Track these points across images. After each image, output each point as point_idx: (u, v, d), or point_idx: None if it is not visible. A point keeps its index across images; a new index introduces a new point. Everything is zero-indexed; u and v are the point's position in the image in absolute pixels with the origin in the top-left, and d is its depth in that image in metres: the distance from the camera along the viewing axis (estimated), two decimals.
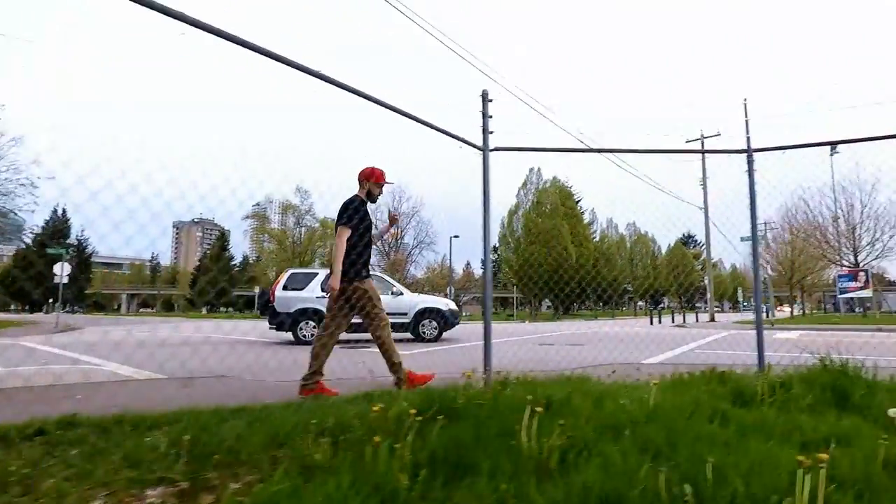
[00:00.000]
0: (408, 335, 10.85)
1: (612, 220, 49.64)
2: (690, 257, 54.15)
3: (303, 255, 49.21)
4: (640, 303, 60.79)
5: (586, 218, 51.16)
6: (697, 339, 11.52)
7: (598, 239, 45.37)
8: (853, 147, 4.14)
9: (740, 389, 3.22)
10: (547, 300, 46.38)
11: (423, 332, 11.02)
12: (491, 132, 4.03)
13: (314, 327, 10.29)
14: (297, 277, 11.06)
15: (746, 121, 4.79)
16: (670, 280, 49.79)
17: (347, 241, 4.00)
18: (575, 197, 49.86)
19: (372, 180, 4.25)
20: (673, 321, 26.29)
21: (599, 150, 4.90)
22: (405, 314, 11.02)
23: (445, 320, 11.31)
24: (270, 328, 10.79)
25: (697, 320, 25.52)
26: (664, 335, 13.37)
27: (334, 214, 4.21)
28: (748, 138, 4.00)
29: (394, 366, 4.14)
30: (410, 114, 3.60)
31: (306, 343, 9.72)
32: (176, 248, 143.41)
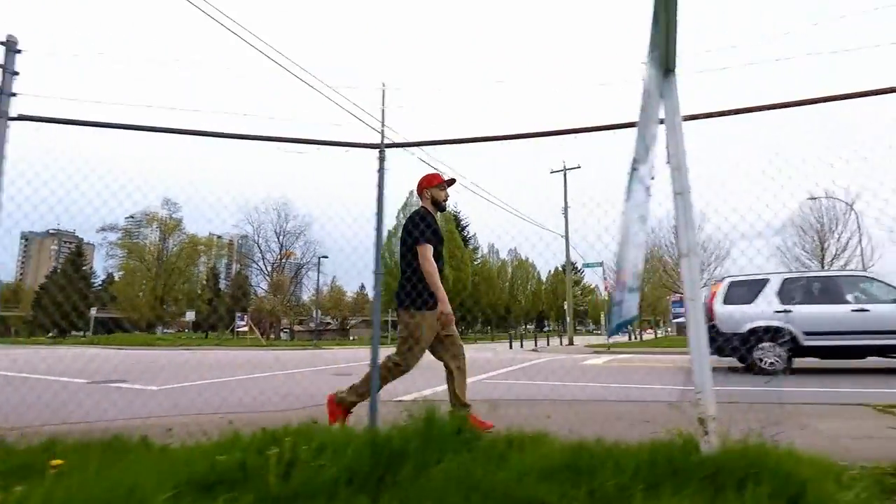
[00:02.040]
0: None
1: (493, 245, 51.13)
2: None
3: (169, 272, 45.00)
4: (530, 326, 62.94)
5: (475, 243, 52.28)
6: (505, 367, 11.46)
7: (478, 263, 46.26)
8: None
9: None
10: None
11: None
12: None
13: (775, 352, 7.96)
14: (740, 287, 8.57)
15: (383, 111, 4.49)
16: (549, 304, 52.06)
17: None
18: (463, 222, 50.85)
19: (433, 185, 3.85)
20: (536, 345, 27.02)
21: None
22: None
23: None
24: (712, 354, 8.54)
25: (559, 344, 26.47)
26: (479, 362, 13.28)
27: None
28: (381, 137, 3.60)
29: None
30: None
31: (767, 373, 7.78)
32: (23, 263, 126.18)
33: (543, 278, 57.95)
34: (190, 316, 31.50)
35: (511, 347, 25.80)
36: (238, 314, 28.52)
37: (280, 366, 11.76)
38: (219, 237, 59.65)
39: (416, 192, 3.93)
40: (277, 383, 7.60)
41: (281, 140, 3.46)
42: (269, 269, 54.07)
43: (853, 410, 4.52)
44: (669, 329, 53.35)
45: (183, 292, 45.70)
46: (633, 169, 2.56)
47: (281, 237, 54.15)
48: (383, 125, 3.46)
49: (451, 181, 3.95)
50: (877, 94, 3.03)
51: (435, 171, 3.97)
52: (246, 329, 28.14)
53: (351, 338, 53.60)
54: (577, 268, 65.36)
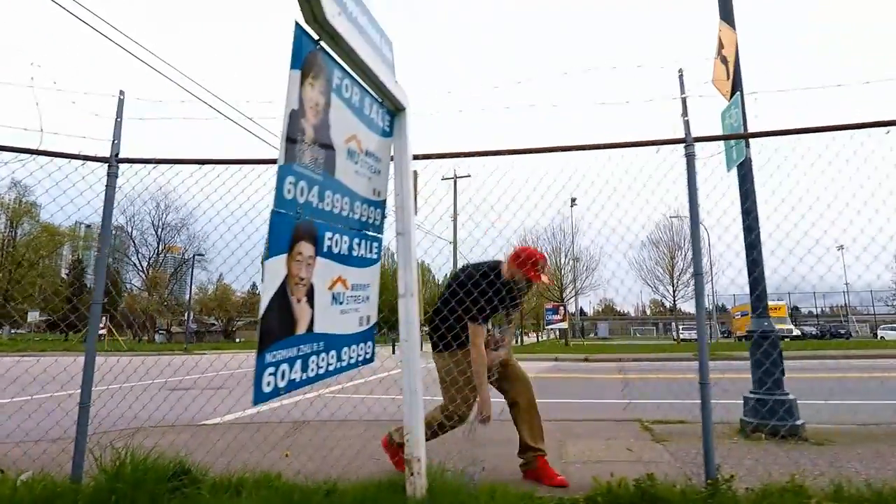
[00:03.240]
0: None
1: (388, 247, 50.80)
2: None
3: (16, 264, 39.31)
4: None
5: None
6: (364, 378, 11.28)
7: None
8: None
9: None
10: None
11: None
12: None
13: None
14: None
15: None
16: None
17: None
18: None
19: (520, 268, 3.13)
20: (421, 348, 27.14)
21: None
22: None
23: None
24: None
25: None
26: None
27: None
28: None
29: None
30: None
31: None
32: None
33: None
34: (33, 315, 27.57)
35: (394, 353, 25.72)
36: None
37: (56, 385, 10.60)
38: (87, 227, 53.49)
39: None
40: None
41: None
42: (145, 264, 49.43)
43: (621, 427, 4.92)
44: (554, 334, 56.43)
45: (35, 288, 40.18)
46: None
47: (160, 230, 49.77)
48: (115, 138, 3.13)
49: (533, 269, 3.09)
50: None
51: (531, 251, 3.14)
52: (104, 332, 25.28)
53: (237, 340, 50.47)
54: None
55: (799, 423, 4.39)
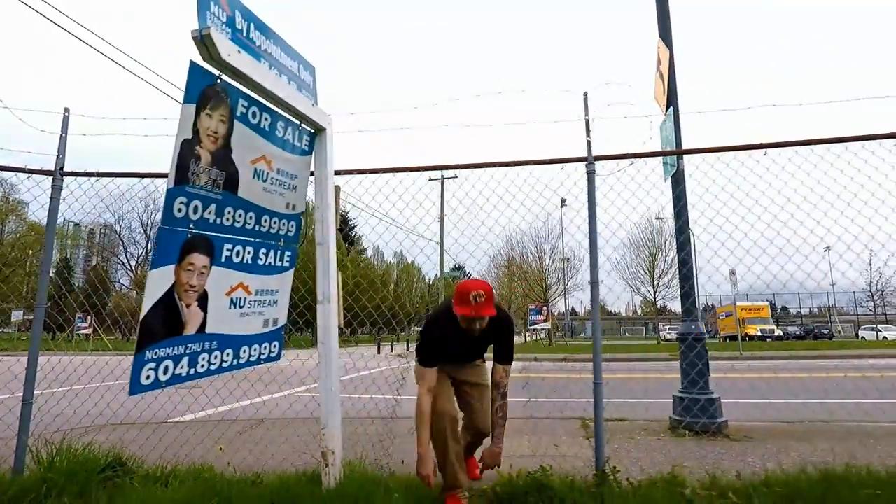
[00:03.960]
0: None
1: (378, 248, 51.13)
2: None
3: (1, 263, 39.06)
4: (418, 328, 63.53)
5: (362, 245, 51.81)
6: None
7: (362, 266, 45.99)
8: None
9: None
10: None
11: None
12: None
13: None
14: None
15: None
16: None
17: None
18: (351, 222, 50.21)
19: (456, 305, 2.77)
20: (407, 348, 27.44)
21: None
22: None
23: None
24: None
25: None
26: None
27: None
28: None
29: None
30: None
31: None
32: None
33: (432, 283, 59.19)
34: (17, 315, 27.57)
35: (379, 352, 25.92)
36: (79, 315, 25.52)
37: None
38: (76, 224, 53.32)
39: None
40: None
41: None
42: (133, 263, 49.34)
43: (561, 425, 5.17)
44: (539, 335, 56.82)
45: (18, 286, 40.01)
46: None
47: (149, 229, 49.66)
48: (60, 153, 3.33)
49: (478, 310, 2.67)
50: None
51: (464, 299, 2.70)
52: (89, 331, 25.30)
53: None
54: (466, 272, 67.53)
55: (721, 420, 4.66)
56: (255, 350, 2.85)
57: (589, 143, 3.21)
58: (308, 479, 3.00)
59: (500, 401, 2.90)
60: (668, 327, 44.24)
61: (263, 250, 2.76)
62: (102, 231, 63.71)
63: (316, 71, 3.08)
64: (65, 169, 3.36)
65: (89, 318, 25.64)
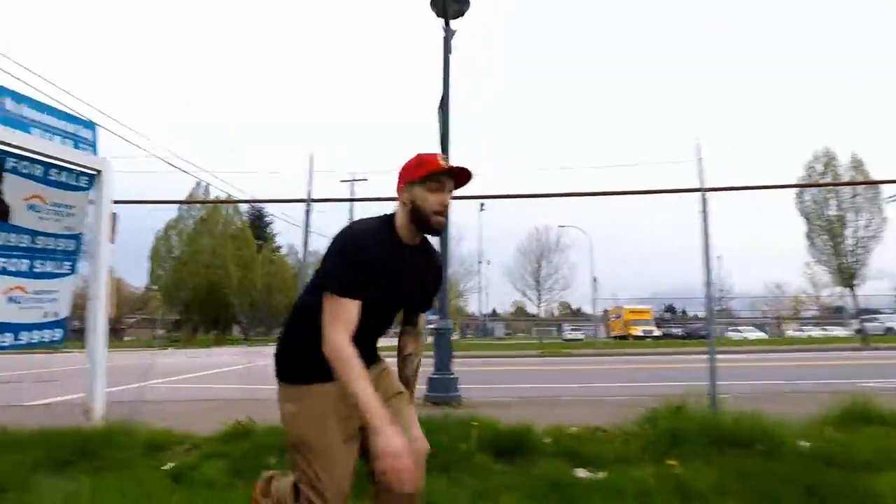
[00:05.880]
0: None
1: (293, 245, 50.88)
2: None
3: None
4: None
5: (279, 242, 51.33)
6: (208, 370, 12.24)
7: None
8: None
9: None
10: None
11: None
12: None
13: None
14: None
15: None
16: None
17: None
18: (267, 218, 49.71)
19: (414, 179, 1.65)
20: None
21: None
22: None
23: None
24: None
25: None
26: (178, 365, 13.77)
27: None
28: None
29: None
30: None
31: None
32: None
33: None
34: None
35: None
36: None
37: None
38: None
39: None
40: None
41: None
42: None
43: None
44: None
45: None
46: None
47: None
48: None
49: (461, 175, 1.66)
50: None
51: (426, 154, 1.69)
52: None
53: (125, 338, 47.88)
54: None
55: (456, 394, 6.15)
56: (35, 335, 3.87)
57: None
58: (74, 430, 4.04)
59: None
60: (570, 328, 47.44)
61: (40, 261, 3.80)
62: None
63: (96, 126, 4.14)
64: None
65: None
